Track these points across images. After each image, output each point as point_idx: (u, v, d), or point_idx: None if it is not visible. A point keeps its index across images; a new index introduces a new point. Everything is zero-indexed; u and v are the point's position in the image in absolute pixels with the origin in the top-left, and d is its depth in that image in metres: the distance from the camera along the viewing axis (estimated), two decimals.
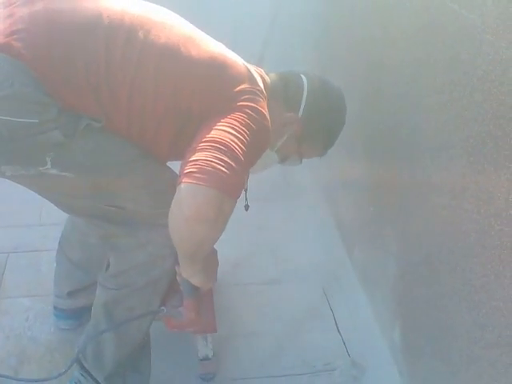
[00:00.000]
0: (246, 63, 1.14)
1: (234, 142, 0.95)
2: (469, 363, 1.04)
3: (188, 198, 0.91)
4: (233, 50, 1.15)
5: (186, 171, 0.91)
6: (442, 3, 1.04)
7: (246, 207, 1.17)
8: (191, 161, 0.92)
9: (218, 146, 0.93)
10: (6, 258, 1.65)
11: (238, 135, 0.97)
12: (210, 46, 1.08)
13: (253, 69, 1.14)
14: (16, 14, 0.96)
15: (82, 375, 1.21)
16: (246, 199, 1.16)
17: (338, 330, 1.50)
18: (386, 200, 1.44)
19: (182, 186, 0.91)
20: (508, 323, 0.90)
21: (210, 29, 1.15)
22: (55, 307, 1.45)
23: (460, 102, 0.99)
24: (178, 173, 0.97)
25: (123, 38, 0.98)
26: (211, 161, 0.91)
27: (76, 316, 1.43)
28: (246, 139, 0.97)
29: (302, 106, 1.16)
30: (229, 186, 0.92)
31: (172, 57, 1.01)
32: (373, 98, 1.47)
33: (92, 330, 1.21)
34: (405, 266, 1.35)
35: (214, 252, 1.25)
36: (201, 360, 1.34)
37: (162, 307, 1.22)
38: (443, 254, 1.11)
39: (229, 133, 0.96)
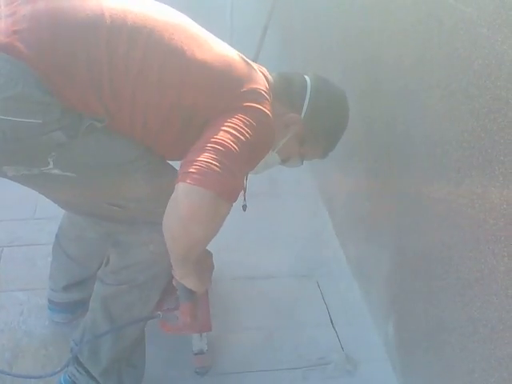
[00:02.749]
0: (250, 62, 1.14)
1: (236, 144, 0.95)
2: (462, 358, 1.05)
3: (184, 198, 0.91)
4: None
5: (185, 171, 0.91)
6: None
7: (244, 207, 1.17)
8: (191, 161, 0.92)
9: (220, 147, 0.93)
10: (1, 251, 1.65)
11: (242, 138, 0.97)
12: (215, 45, 1.08)
13: (257, 68, 1.14)
14: (18, 12, 0.95)
15: (76, 370, 1.21)
16: (244, 199, 1.15)
17: (333, 325, 1.51)
18: (381, 195, 1.44)
19: (180, 185, 0.91)
20: (501, 317, 0.90)
21: (207, 26, 1.14)
22: (50, 301, 1.45)
23: (455, 97, 0.99)
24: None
25: (126, 37, 0.97)
26: (211, 163, 0.91)
27: (71, 310, 1.43)
28: (249, 142, 0.97)
29: (305, 107, 1.16)
30: (226, 189, 0.92)
31: (176, 56, 1.00)
32: (369, 93, 1.47)
33: (89, 323, 1.21)
34: (399, 260, 1.35)
35: (209, 255, 1.25)
36: (195, 354, 1.33)
37: (158, 312, 1.22)
38: (437, 249, 1.11)
39: (232, 135, 0.96)
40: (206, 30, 1.12)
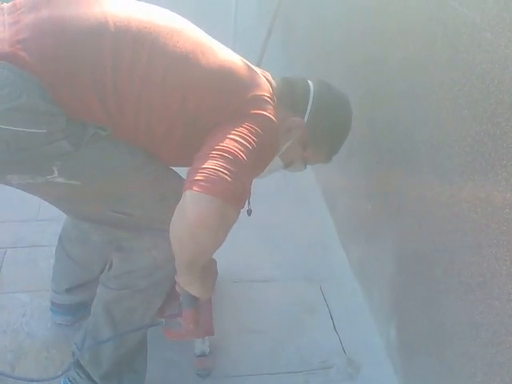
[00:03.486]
0: (254, 67, 1.14)
1: (242, 152, 0.95)
2: (464, 362, 1.04)
3: (192, 205, 0.91)
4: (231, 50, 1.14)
5: (192, 179, 0.91)
6: (441, 1, 1.03)
7: (249, 212, 1.17)
8: (199, 168, 0.92)
9: (227, 155, 0.93)
10: (4, 253, 1.65)
11: (248, 145, 0.97)
12: (219, 52, 1.08)
13: (260, 73, 1.14)
14: (21, 21, 0.95)
15: (77, 373, 1.21)
16: (249, 204, 1.15)
17: (335, 328, 1.50)
18: (383, 198, 1.44)
19: (188, 193, 0.91)
20: (503, 322, 0.90)
21: (211, 30, 1.15)
22: (52, 302, 1.45)
23: (458, 101, 0.99)
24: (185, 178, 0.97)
25: (131, 42, 0.97)
26: (218, 170, 0.91)
27: (73, 312, 1.43)
28: (255, 149, 0.98)
29: (308, 111, 1.16)
30: (234, 196, 0.92)
31: (180, 61, 1.01)
32: (371, 95, 1.47)
33: (91, 327, 1.21)
34: (401, 264, 1.35)
35: (213, 262, 1.25)
36: (198, 356, 1.34)
37: (161, 319, 1.22)
38: (439, 253, 1.11)
39: (238, 142, 0.96)
40: (210, 33, 1.13)
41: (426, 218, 1.17)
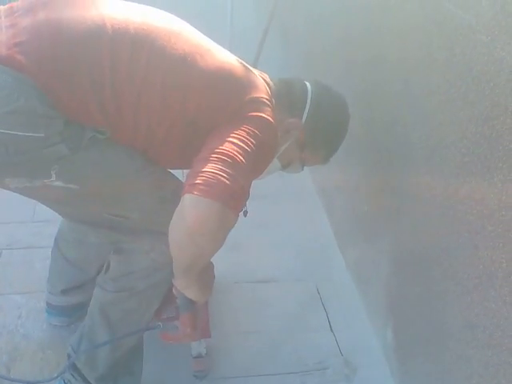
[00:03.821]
0: (252, 69, 1.14)
1: (241, 155, 0.95)
2: (460, 363, 1.05)
3: (191, 209, 0.91)
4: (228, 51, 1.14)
5: (191, 182, 0.91)
6: (437, 3, 1.04)
7: (245, 213, 1.17)
8: (198, 172, 0.92)
9: (226, 158, 0.93)
10: (0, 254, 1.65)
11: (247, 148, 0.97)
12: (217, 54, 1.08)
13: (258, 74, 1.15)
14: (18, 24, 0.95)
15: (72, 375, 1.20)
16: (245, 205, 1.16)
17: (331, 329, 1.50)
18: (379, 200, 1.44)
19: (187, 196, 0.91)
20: (499, 324, 0.90)
21: (207, 29, 1.14)
22: (48, 304, 1.44)
23: (454, 103, 0.99)
24: (183, 181, 0.97)
25: (129, 44, 0.97)
26: (218, 173, 0.91)
27: (69, 313, 1.43)
28: (253, 152, 0.98)
29: (306, 113, 1.16)
30: (233, 200, 0.92)
31: (179, 62, 1.01)
32: (368, 97, 1.47)
33: (87, 329, 1.21)
34: (398, 265, 1.35)
35: (211, 266, 1.25)
36: (194, 357, 1.33)
37: (159, 323, 1.22)
38: (436, 255, 1.11)
39: (237, 145, 0.96)
40: (206, 34, 1.13)
41: (423, 219, 1.17)
